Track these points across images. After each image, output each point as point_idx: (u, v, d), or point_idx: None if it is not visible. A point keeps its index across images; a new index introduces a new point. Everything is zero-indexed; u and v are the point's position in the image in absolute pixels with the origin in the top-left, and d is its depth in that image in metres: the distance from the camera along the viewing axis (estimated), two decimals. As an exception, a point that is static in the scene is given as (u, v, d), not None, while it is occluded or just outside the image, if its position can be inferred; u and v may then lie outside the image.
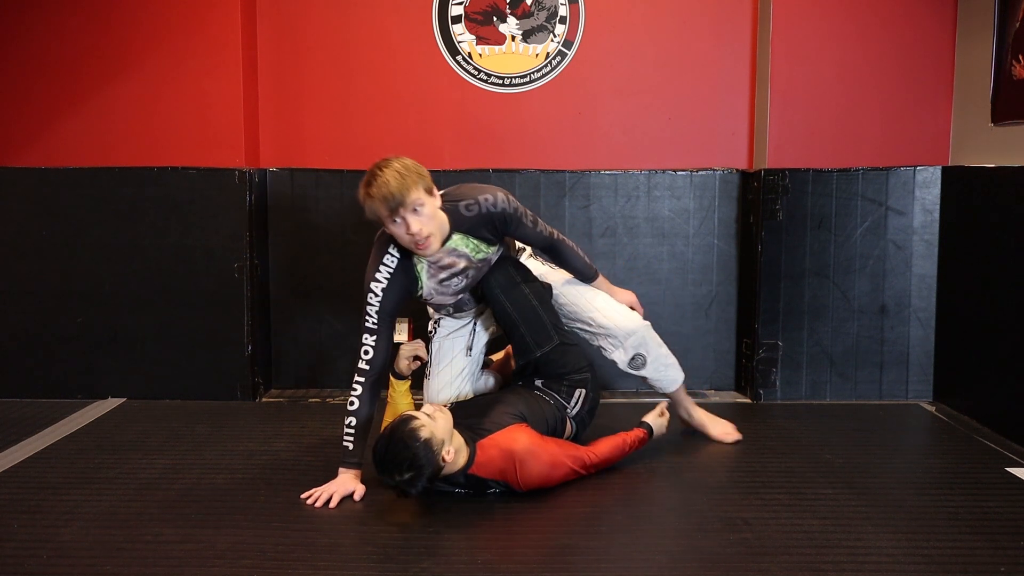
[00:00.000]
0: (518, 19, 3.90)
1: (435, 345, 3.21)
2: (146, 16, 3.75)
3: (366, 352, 2.81)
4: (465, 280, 2.97)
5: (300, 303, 3.99)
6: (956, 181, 3.67)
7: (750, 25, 3.89)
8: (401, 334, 3.94)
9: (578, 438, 3.03)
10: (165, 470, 2.96)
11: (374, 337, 2.81)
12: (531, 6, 3.89)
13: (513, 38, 3.91)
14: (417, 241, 2.69)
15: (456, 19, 3.90)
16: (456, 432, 2.66)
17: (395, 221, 2.67)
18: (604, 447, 2.89)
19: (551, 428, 2.91)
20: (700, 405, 3.81)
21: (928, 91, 3.77)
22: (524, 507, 2.63)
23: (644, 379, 3.22)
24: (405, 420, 2.53)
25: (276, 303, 3.99)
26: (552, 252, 3.10)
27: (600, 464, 2.86)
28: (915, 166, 3.76)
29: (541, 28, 3.90)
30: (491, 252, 2.95)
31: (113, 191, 3.78)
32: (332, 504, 2.67)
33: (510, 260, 3.07)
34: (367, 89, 3.92)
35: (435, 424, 2.56)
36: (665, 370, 3.20)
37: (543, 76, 3.93)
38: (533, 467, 2.65)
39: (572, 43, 3.91)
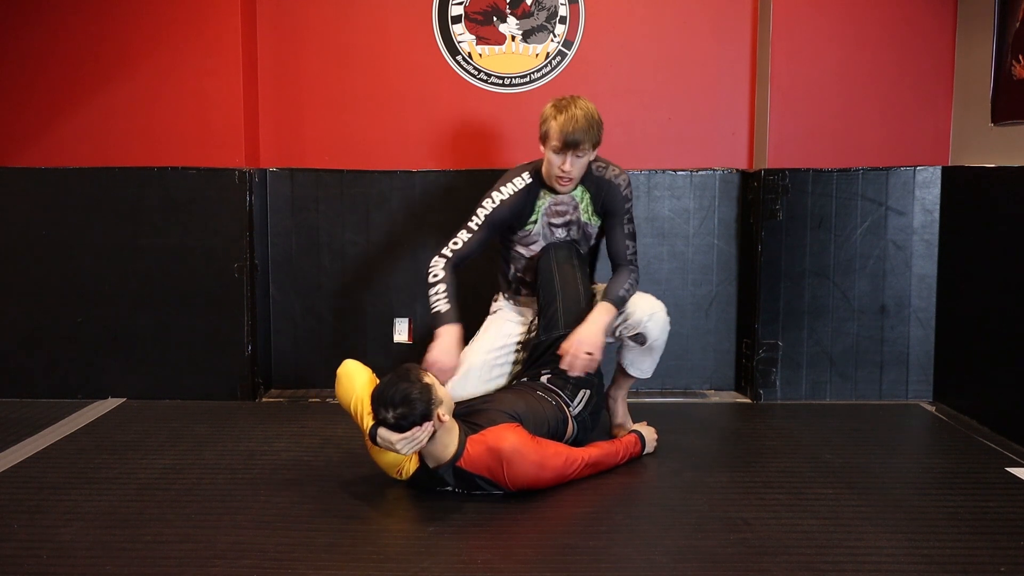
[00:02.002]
0: (518, 19, 3.90)
1: (487, 321, 3.30)
2: (146, 16, 3.75)
3: (455, 243, 3.07)
4: (566, 235, 3.18)
5: (300, 303, 3.99)
6: (956, 181, 3.67)
7: (750, 25, 3.89)
8: (401, 334, 3.94)
9: (579, 441, 3.03)
10: (165, 470, 2.96)
11: (470, 235, 3.08)
12: (531, 6, 3.89)
13: (513, 38, 3.91)
14: (562, 178, 3.01)
15: (456, 19, 3.90)
16: (454, 420, 2.70)
17: (558, 153, 2.97)
18: (596, 450, 2.89)
19: (552, 429, 2.90)
20: (700, 405, 3.83)
21: (928, 91, 3.77)
22: (524, 507, 2.63)
23: (624, 349, 3.20)
24: (412, 366, 2.64)
25: (276, 303, 3.99)
26: (614, 269, 3.14)
27: (592, 466, 2.86)
28: (915, 166, 3.76)
29: (541, 28, 3.90)
30: (593, 222, 3.18)
31: (113, 191, 3.78)
32: (445, 380, 2.87)
33: (576, 247, 3.18)
34: (367, 89, 3.92)
35: (437, 385, 2.63)
36: (648, 357, 3.19)
37: (543, 76, 3.93)
38: (520, 467, 2.65)
39: (572, 43, 3.91)
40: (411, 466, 2.76)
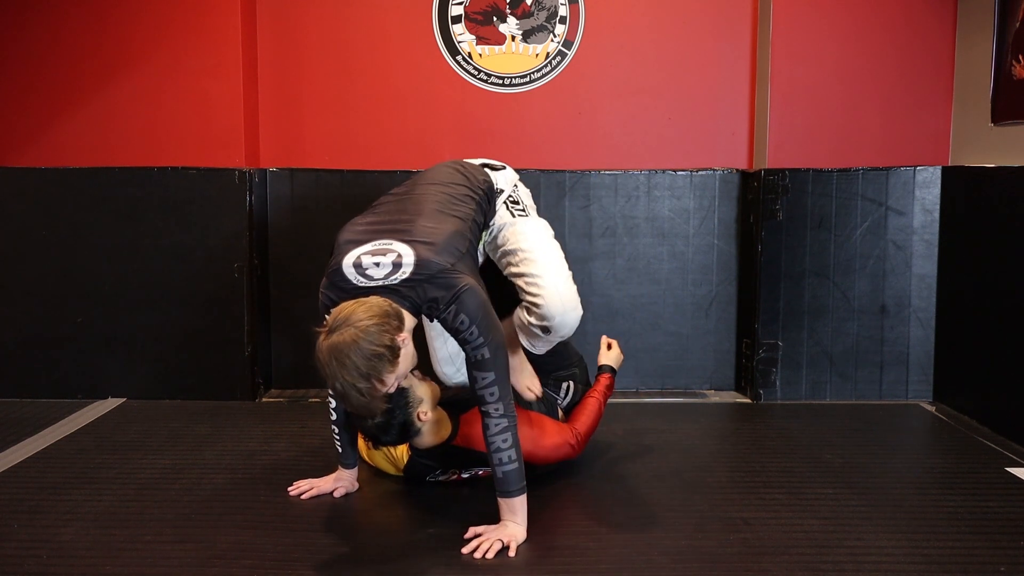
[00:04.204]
0: (518, 19, 3.90)
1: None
2: (146, 16, 3.75)
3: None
4: None
5: (300, 303, 3.98)
6: (956, 181, 3.67)
7: (750, 25, 3.89)
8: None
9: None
10: (165, 470, 2.96)
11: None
12: (531, 6, 3.89)
13: (513, 38, 3.91)
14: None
15: (456, 19, 3.90)
16: (440, 408, 2.70)
17: None
18: (586, 417, 2.91)
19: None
20: (700, 405, 3.82)
21: (928, 91, 3.77)
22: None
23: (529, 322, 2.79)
24: None
25: (276, 303, 3.99)
26: (484, 424, 2.43)
27: (587, 436, 2.89)
28: (915, 166, 3.76)
29: (541, 28, 3.90)
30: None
31: (113, 191, 3.78)
32: (305, 496, 2.72)
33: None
34: (367, 89, 3.92)
35: (416, 383, 2.61)
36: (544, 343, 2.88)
37: (543, 76, 3.93)
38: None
39: (572, 43, 3.91)
40: (404, 456, 2.79)
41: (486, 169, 2.85)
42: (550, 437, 2.78)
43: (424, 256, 2.39)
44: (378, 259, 2.41)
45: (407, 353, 2.30)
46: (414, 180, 2.81)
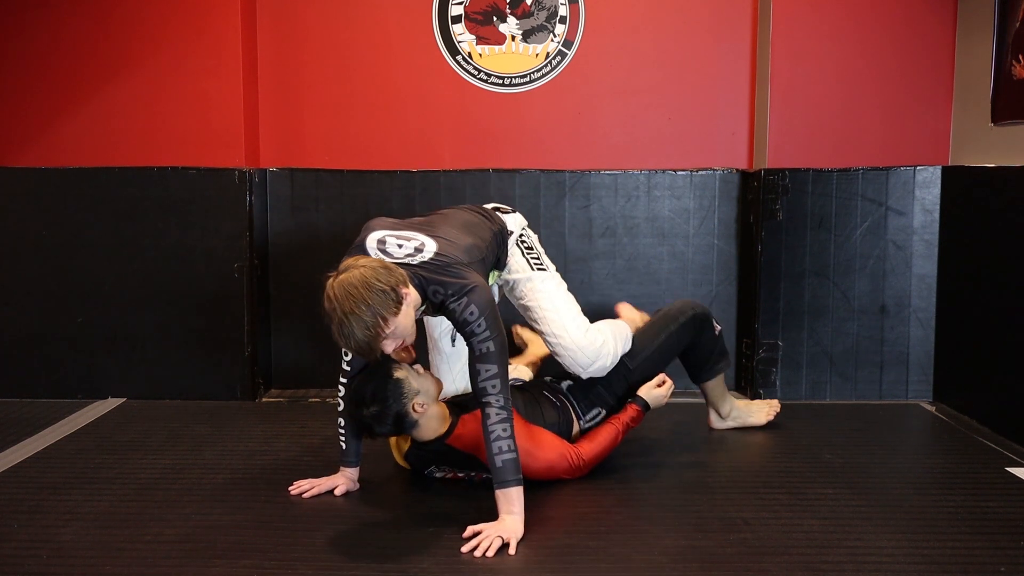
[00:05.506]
0: (518, 19, 3.90)
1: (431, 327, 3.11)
2: (146, 16, 3.75)
3: (346, 353, 2.76)
4: None
5: (300, 303, 3.99)
6: (956, 181, 3.67)
7: (750, 25, 3.89)
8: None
9: None
10: (165, 470, 2.96)
11: (349, 355, 2.77)
12: (531, 6, 3.90)
13: (513, 38, 3.91)
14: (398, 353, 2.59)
15: (456, 19, 3.90)
16: (443, 404, 2.73)
17: None
18: (596, 443, 2.85)
19: (554, 428, 2.90)
20: (700, 405, 3.81)
21: (928, 91, 3.77)
22: (524, 507, 2.63)
23: None
24: (385, 360, 2.58)
25: (276, 303, 3.99)
26: (484, 414, 2.49)
27: (592, 462, 2.84)
28: (915, 166, 3.76)
29: (541, 28, 3.91)
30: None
31: (113, 191, 3.78)
32: (306, 495, 2.73)
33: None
34: (367, 89, 3.93)
35: (414, 374, 2.63)
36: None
37: (543, 76, 3.93)
38: None
39: (572, 43, 3.91)
40: (404, 444, 2.82)
41: (497, 212, 3.02)
42: (546, 452, 2.74)
43: (444, 248, 2.59)
44: (401, 242, 2.58)
45: (407, 312, 2.42)
46: (437, 211, 3.04)
